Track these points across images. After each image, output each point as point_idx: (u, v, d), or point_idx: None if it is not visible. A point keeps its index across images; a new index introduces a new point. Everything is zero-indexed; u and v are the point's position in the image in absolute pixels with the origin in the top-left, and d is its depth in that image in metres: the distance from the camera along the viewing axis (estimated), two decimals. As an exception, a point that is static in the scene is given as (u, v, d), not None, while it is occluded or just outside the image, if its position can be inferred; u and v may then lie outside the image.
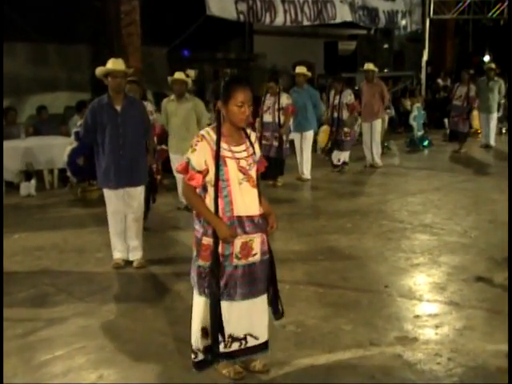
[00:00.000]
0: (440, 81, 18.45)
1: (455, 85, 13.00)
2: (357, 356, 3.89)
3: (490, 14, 16.37)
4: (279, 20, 12.59)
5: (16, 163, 9.06)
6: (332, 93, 10.68)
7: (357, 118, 11.28)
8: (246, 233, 3.37)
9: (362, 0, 14.68)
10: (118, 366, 3.86)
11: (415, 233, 6.80)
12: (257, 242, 3.41)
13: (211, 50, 17.10)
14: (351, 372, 3.69)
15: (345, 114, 10.33)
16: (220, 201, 3.32)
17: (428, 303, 4.87)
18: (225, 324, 3.41)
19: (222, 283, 3.36)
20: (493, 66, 13.01)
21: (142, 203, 5.82)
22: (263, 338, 3.62)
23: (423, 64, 16.79)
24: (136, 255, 5.75)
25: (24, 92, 12.24)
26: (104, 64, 5.48)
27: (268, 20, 12.37)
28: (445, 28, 18.71)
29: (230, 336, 3.49)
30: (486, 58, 24.35)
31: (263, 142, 9.18)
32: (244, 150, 3.40)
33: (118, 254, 5.74)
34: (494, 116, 12.97)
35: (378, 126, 11.15)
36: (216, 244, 3.33)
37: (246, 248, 3.38)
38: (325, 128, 12.02)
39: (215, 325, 3.37)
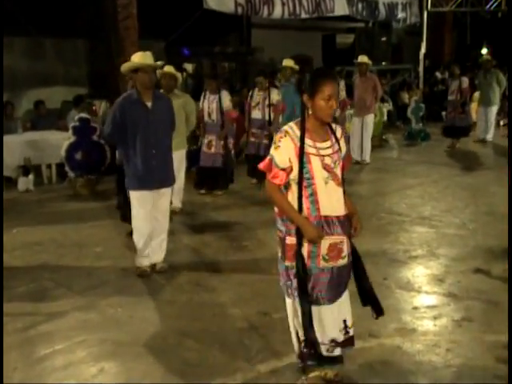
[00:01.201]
0: (438, 74, 18.44)
1: (449, 80, 12.85)
2: (356, 347, 3.88)
3: (488, 6, 16.34)
4: (277, 13, 12.54)
5: (14, 158, 9.04)
6: None
7: (345, 116, 11.13)
8: (333, 234, 3.20)
9: None
10: (119, 360, 3.88)
11: (414, 225, 6.82)
12: (346, 243, 3.26)
13: (209, 44, 17.07)
14: (351, 363, 3.70)
15: (336, 111, 10.13)
16: (305, 200, 3.17)
17: (426, 295, 4.89)
18: (322, 329, 3.31)
19: (309, 286, 3.21)
20: (488, 57, 12.91)
21: (169, 203, 5.56)
22: (352, 330, 3.49)
23: (421, 57, 16.76)
24: (159, 258, 5.50)
25: (21, 86, 12.21)
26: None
27: (266, 13, 12.32)
28: (443, 21, 18.70)
29: (333, 340, 3.38)
30: (484, 51, 24.35)
31: (251, 139, 8.95)
32: (329, 147, 3.22)
33: (144, 261, 5.37)
34: (493, 109, 12.80)
35: (371, 121, 10.85)
36: (300, 244, 3.18)
37: (335, 249, 3.22)
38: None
39: (309, 328, 3.23)
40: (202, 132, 8.33)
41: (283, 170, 3.16)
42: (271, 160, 3.19)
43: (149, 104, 5.14)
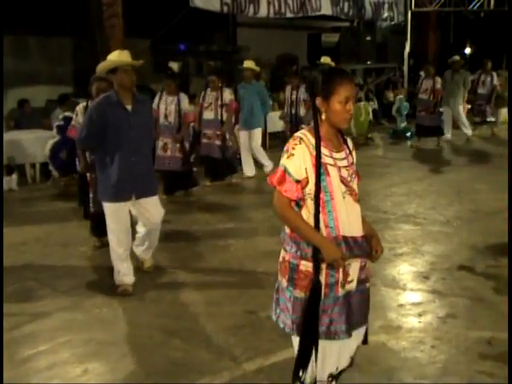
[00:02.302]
0: (422, 73, 18.53)
1: (420, 78, 12.77)
2: (341, 345, 3.92)
3: (471, 6, 16.45)
4: (263, 12, 12.56)
5: (-3, 157, 8.96)
6: (289, 88, 10.15)
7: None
8: (354, 256, 2.83)
9: None
10: (103, 360, 3.86)
11: (399, 223, 6.85)
12: (354, 266, 2.85)
13: (194, 43, 17.02)
14: (336, 361, 3.71)
15: (302, 111, 9.79)
16: (323, 217, 2.76)
17: (411, 292, 4.92)
18: (322, 365, 2.93)
19: (325, 319, 2.81)
20: (457, 58, 12.94)
21: (162, 211, 5.09)
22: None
23: (406, 56, 16.85)
24: (147, 255, 5.39)
25: (5, 85, 12.09)
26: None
27: (251, 11, 12.34)
28: (427, 20, 18.77)
29: (331, 375, 3.00)
30: (468, 50, 24.54)
31: (204, 140, 8.79)
32: (344, 158, 2.86)
33: (125, 279, 4.97)
34: (460, 108, 12.84)
35: None
36: (317, 270, 2.76)
37: (355, 274, 2.87)
38: None
39: (302, 363, 2.85)
40: (157, 134, 7.81)
41: (298, 182, 2.74)
42: (284, 171, 2.75)
43: (129, 107, 4.74)
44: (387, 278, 5.19)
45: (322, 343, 2.83)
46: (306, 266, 2.78)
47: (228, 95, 8.70)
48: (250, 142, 9.52)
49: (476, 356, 3.78)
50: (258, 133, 9.59)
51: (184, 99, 8.02)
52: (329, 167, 2.77)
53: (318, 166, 2.73)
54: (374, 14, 15.69)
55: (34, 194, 8.72)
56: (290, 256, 2.85)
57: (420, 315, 4.40)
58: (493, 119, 13.66)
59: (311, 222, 2.77)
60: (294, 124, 9.92)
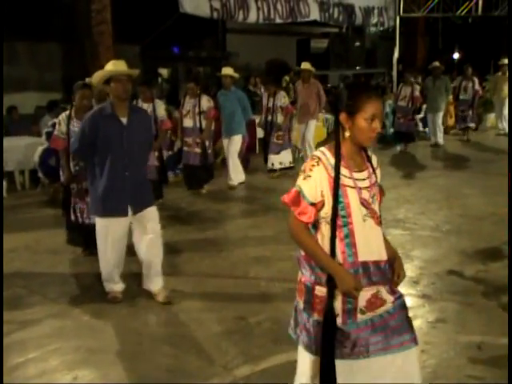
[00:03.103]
0: (411, 79, 18.65)
1: (399, 85, 12.86)
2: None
3: (459, 11, 16.57)
4: (252, 17, 12.61)
5: (-15, 164, 8.91)
6: (265, 95, 10.12)
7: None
8: (372, 283, 2.66)
9: None
10: (93, 367, 3.84)
11: (388, 228, 6.85)
12: (384, 292, 2.70)
13: (184, 49, 17.05)
14: (326, 367, 3.71)
15: (279, 118, 9.78)
16: (339, 242, 2.62)
17: (401, 297, 4.92)
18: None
19: (348, 344, 2.65)
20: (437, 64, 13.03)
21: (158, 223, 4.83)
22: None
23: (394, 61, 16.95)
24: (158, 284, 4.89)
25: (-7, 91, 12.08)
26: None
27: (241, 17, 12.39)
28: (415, 26, 18.94)
29: None
30: (456, 55, 24.71)
31: (185, 148, 8.66)
32: (366, 178, 2.70)
33: (115, 287, 4.88)
34: (440, 115, 12.96)
35: (312, 126, 10.52)
36: (331, 297, 2.62)
37: (375, 301, 2.68)
38: (298, 126, 12.06)
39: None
40: None
41: (313, 205, 2.62)
42: (299, 192, 2.64)
43: (124, 120, 4.53)
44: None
45: (345, 363, 2.67)
46: (321, 291, 2.66)
47: (206, 102, 8.50)
48: (228, 148, 9.33)
49: (466, 360, 3.80)
50: (237, 139, 9.33)
51: (159, 106, 7.77)
52: (348, 190, 2.63)
53: (336, 188, 2.60)
54: (364, 20, 15.76)
55: (23, 201, 8.67)
56: (306, 279, 2.73)
57: (410, 320, 4.40)
58: (473, 125, 13.70)
59: (326, 246, 2.63)
60: (269, 131, 9.86)
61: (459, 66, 21.45)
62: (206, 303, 4.82)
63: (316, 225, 2.68)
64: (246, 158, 10.74)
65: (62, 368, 3.84)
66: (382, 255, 2.71)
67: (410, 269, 5.52)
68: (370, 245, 2.67)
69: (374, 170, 2.78)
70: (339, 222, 2.61)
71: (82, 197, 5.73)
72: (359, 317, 2.66)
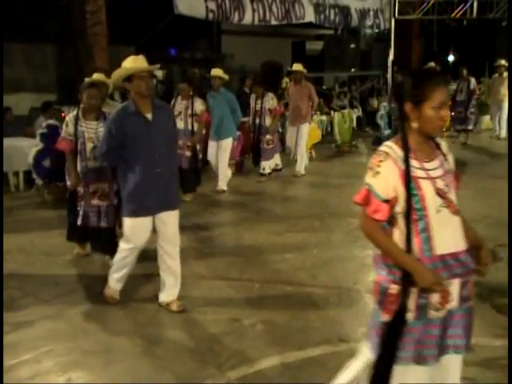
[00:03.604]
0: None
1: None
2: (326, 352, 3.93)
3: (454, 14, 16.62)
4: (248, 19, 12.62)
5: (-21, 166, 8.89)
6: (253, 97, 9.91)
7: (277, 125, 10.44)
8: (453, 276, 2.55)
9: None
10: (87, 369, 3.83)
11: (383, 230, 6.86)
12: (455, 285, 2.57)
13: (179, 50, 17.06)
14: (321, 368, 3.72)
15: (267, 120, 9.62)
16: (415, 237, 2.52)
17: (395, 299, 4.93)
18: None
19: (412, 343, 2.56)
20: (433, 65, 12.94)
21: (178, 231, 4.72)
22: None
23: (389, 63, 16.98)
24: (172, 295, 4.75)
25: (-12, 93, 12.06)
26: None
27: (236, 18, 12.39)
28: (410, 28, 18.97)
29: None
30: (451, 57, 24.80)
31: None
32: (439, 167, 2.59)
33: (118, 285, 4.85)
34: None
35: (305, 131, 10.35)
36: (405, 294, 2.53)
37: (452, 295, 2.57)
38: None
39: None
40: None
41: (386, 201, 2.52)
42: (369, 190, 2.55)
43: (149, 115, 4.43)
44: (371, 284, 5.19)
45: (404, 368, 2.58)
46: (396, 289, 2.56)
47: (200, 105, 8.32)
48: (217, 152, 9.13)
49: (459, 362, 3.80)
50: (227, 144, 9.14)
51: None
52: (421, 181, 2.52)
53: (408, 181, 2.49)
54: (360, 22, 15.79)
55: (17, 203, 8.65)
56: (381, 279, 2.64)
57: (404, 322, 4.41)
58: (470, 127, 13.63)
59: (403, 242, 2.54)
60: (257, 134, 9.69)
61: (454, 68, 21.55)
62: (199, 305, 4.81)
63: (391, 221, 2.58)
64: (240, 160, 10.73)
65: (56, 370, 3.82)
66: (460, 246, 2.59)
67: (404, 271, 5.54)
68: (446, 237, 2.55)
69: (445, 157, 2.66)
70: (414, 215, 2.51)
71: (88, 200, 5.63)
72: (432, 313, 2.56)
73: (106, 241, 5.71)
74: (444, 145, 2.70)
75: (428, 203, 2.52)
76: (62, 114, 10.70)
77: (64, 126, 5.70)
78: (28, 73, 13.08)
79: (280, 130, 11.55)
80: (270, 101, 9.66)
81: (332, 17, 14.83)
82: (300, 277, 5.41)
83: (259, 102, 9.65)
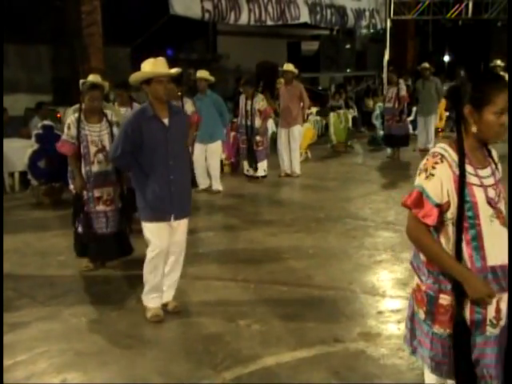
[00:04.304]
0: (401, 80, 18.74)
1: (387, 87, 12.40)
2: (321, 353, 3.93)
3: (449, 14, 16.67)
4: (244, 19, 12.65)
5: (-25, 166, 8.87)
6: (242, 97, 9.76)
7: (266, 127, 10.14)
8: (502, 289, 2.42)
9: None
10: (82, 370, 3.83)
11: (378, 230, 6.89)
12: (505, 300, 2.45)
13: (174, 51, 17.05)
14: (316, 369, 3.72)
15: (257, 121, 9.51)
16: (465, 245, 2.40)
17: (391, 299, 4.94)
18: None
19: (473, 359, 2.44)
20: (427, 65, 12.75)
21: (185, 238, 4.70)
22: None
23: (385, 64, 17.02)
24: (169, 296, 4.73)
25: (-18, 93, 12.01)
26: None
27: (232, 19, 12.41)
28: (405, 28, 19.02)
29: None
30: (446, 58, 24.86)
31: None
32: (491, 175, 2.48)
33: (158, 302, 4.59)
34: (432, 118, 12.63)
35: (298, 133, 10.23)
36: (460, 305, 2.40)
37: (502, 309, 2.46)
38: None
39: None
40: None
41: (438, 206, 2.40)
42: (421, 193, 2.43)
43: (165, 120, 4.36)
44: (366, 285, 5.22)
45: None
46: (447, 299, 2.45)
47: (190, 107, 8.04)
48: (207, 155, 9.00)
49: (454, 362, 3.81)
50: (215, 147, 9.06)
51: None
52: (474, 188, 2.40)
53: (462, 187, 2.38)
54: (356, 22, 15.84)
55: (12, 203, 8.63)
56: (427, 287, 2.51)
57: (399, 322, 4.41)
58: None
59: (451, 249, 2.43)
60: (250, 136, 9.56)
61: (449, 68, 21.60)
62: (195, 306, 4.81)
63: (438, 227, 2.46)
64: (235, 160, 10.72)
65: (51, 371, 3.82)
66: (506, 258, 2.45)
67: (399, 271, 5.56)
68: (496, 247, 2.43)
69: (496, 166, 2.54)
70: (465, 223, 2.40)
71: (93, 205, 5.46)
72: (489, 329, 2.43)
73: (119, 244, 5.61)
74: (495, 153, 2.59)
75: (480, 211, 2.40)
76: (58, 115, 10.71)
77: (66, 129, 5.51)
78: (23, 73, 13.04)
79: (274, 130, 11.48)
80: (261, 102, 9.57)
81: (328, 17, 14.88)
82: (295, 277, 5.41)
83: (249, 102, 9.54)
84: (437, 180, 2.40)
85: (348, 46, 20.53)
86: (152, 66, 4.33)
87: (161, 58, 4.39)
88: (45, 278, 5.54)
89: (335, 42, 20.11)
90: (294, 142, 10.18)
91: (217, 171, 9.17)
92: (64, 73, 12.38)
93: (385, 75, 17.06)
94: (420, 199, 2.43)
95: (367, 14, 16.19)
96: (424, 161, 2.47)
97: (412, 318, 2.63)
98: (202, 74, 8.96)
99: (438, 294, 2.47)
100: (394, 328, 4.33)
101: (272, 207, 8.38)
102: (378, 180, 9.93)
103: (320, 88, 19.03)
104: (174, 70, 4.50)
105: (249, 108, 9.54)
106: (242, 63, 17.47)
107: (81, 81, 6.85)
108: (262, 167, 9.81)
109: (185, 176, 4.57)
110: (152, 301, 4.55)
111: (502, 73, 13.86)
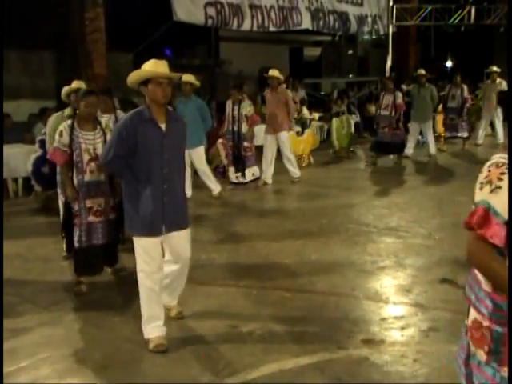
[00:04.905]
0: (404, 86, 18.74)
1: (381, 94, 12.26)
2: (324, 359, 3.92)
3: (451, 20, 16.69)
4: (246, 25, 12.68)
5: (-22, 172, 8.89)
6: (229, 103, 9.63)
7: (253, 133, 9.96)
8: None
9: (331, 5, 14.82)
10: (84, 375, 3.83)
11: (381, 236, 6.88)
12: None
13: (177, 56, 17.09)
14: (318, 375, 3.72)
15: (244, 127, 9.42)
16: None
17: (394, 305, 4.93)
18: None
19: None
20: (423, 72, 12.65)
21: (190, 248, 4.46)
22: None
23: (387, 69, 17.04)
24: (174, 300, 4.68)
25: (-14, 99, 12.04)
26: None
27: (235, 24, 12.44)
28: (407, 34, 19.05)
29: None
30: (448, 64, 24.87)
31: None
32: None
33: (159, 331, 4.22)
34: (430, 124, 12.60)
35: (286, 139, 10.03)
36: None
37: None
38: (291, 134, 12.04)
39: None
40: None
41: (507, 223, 2.03)
42: (487, 209, 2.07)
43: (163, 125, 4.12)
44: (369, 291, 5.21)
45: None
46: None
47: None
48: (193, 161, 8.81)
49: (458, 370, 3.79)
50: (201, 151, 8.91)
51: (122, 118, 7.34)
52: None
53: None
54: (359, 27, 15.88)
55: (15, 209, 8.64)
56: (492, 322, 2.12)
57: (402, 328, 4.41)
58: (465, 135, 13.51)
59: None
60: (237, 142, 9.49)
61: (451, 74, 21.59)
62: (197, 312, 4.80)
63: (504, 251, 2.07)
64: (223, 166, 10.59)
65: (53, 376, 3.82)
66: None
67: (402, 277, 5.54)
68: None
69: None
70: None
71: (85, 217, 5.22)
72: None
73: (106, 255, 5.47)
74: None
75: None
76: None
77: (57, 136, 5.25)
78: (26, 79, 13.06)
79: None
80: (248, 107, 9.48)
81: (331, 23, 14.92)
82: (298, 283, 5.40)
83: (236, 108, 9.45)
84: (504, 193, 2.04)
85: (350, 52, 20.56)
86: (152, 66, 4.11)
87: (163, 60, 4.19)
88: (47, 283, 5.54)
89: (337, 47, 20.14)
90: (285, 148, 10.03)
91: (210, 175, 9.08)
92: (67, 79, 12.36)
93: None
94: (486, 217, 2.07)
95: (370, 19, 16.22)
96: (485, 173, 2.14)
97: (466, 362, 2.24)
98: (188, 77, 8.76)
99: (506, 330, 2.08)
100: (397, 335, 4.32)
101: (274, 212, 8.37)
102: (381, 186, 9.91)
103: (322, 93, 19.06)
104: (175, 74, 4.27)
105: (236, 113, 9.45)
106: (244, 69, 17.48)
107: (64, 88, 6.59)
108: (251, 172, 9.67)
109: (180, 186, 4.29)
110: (152, 331, 4.20)
111: (498, 79, 13.94)
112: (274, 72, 10.00)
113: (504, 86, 14.07)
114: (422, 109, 12.38)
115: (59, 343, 4.29)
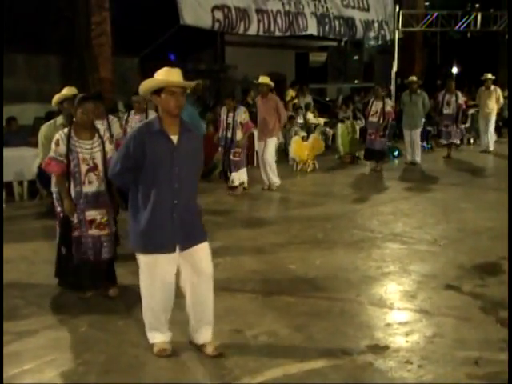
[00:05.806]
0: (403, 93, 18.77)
1: (370, 100, 12.26)
2: (329, 365, 3.91)
3: (458, 26, 16.69)
4: (253, 29, 12.74)
5: (-16, 175, 8.91)
6: (224, 110, 9.55)
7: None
8: None
9: (337, 10, 14.86)
10: (89, 379, 3.82)
11: (386, 242, 6.87)
12: None
13: (182, 61, 17.14)
14: (323, 381, 3.71)
15: (238, 134, 9.31)
16: None
17: (398, 311, 4.92)
18: None
19: None
20: (414, 79, 12.68)
21: (211, 262, 4.18)
22: None
23: (393, 75, 17.03)
24: (207, 335, 4.17)
25: (-8, 103, 12.09)
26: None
27: (242, 29, 12.51)
28: (413, 40, 19.07)
29: None
30: (454, 70, 24.85)
31: None
32: None
33: (161, 337, 4.13)
34: (418, 132, 12.54)
35: (272, 144, 9.99)
36: None
37: None
38: (297, 139, 12.05)
39: None
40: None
41: None
42: None
43: (174, 138, 3.89)
44: (374, 297, 5.20)
45: None
46: None
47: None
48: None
49: (463, 376, 3.78)
50: None
51: (114, 123, 7.05)
52: None
53: None
54: (365, 33, 15.90)
55: (21, 212, 8.67)
56: None
57: (407, 334, 4.40)
58: (457, 142, 13.45)
59: None
60: (228, 149, 9.42)
61: (457, 80, 21.57)
62: (202, 316, 4.80)
63: None
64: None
65: (58, 380, 3.82)
66: None
67: (407, 283, 5.53)
68: None
69: None
70: None
71: (85, 229, 5.02)
72: None
73: (108, 270, 5.28)
74: None
75: None
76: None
77: (53, 145, 4.99)
78: (32, 83, 13.11)
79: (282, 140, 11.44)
80: (243, 114, 9.37)
81: (337, 28, 14.95)
82: (303, 288, 5.40)
83: (231, 115, 9.36)
84: None
85: (356, 58, 20.58)
86: (165, 75, 3.88)
87: (176, 68, 3.96)
88: (52, 286, 5.53)
89: (343, 53, 20.16)
90: (268, 154, 9.93)
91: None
92: (73, 83, 12.34)
93: (393, 87, 17.09)
94: None
95: (376, 25, 16.25)
96: None
97: None
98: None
99: None
100: (402, 340, 4.31)
101: (279, 217, 8.37)
102: (385, 191, 9.90)
103: (327, 99, 19.07)
104: (188, 83, 4.05)
105: (230, 121, 9.36)
106: (249, 74, 17.50)
107: (56, 96, 6.41)
108: (237, 177, 9.53)
109: (191, 202, 4.04)
110: (157, 336, 4.14)
111: (493, 86, 13.97)
112: (264, 79, 9.94)
113: (499, 92, 14.11)
114: (413, 116, 12.39)
115: (64, 346, 4.29)
